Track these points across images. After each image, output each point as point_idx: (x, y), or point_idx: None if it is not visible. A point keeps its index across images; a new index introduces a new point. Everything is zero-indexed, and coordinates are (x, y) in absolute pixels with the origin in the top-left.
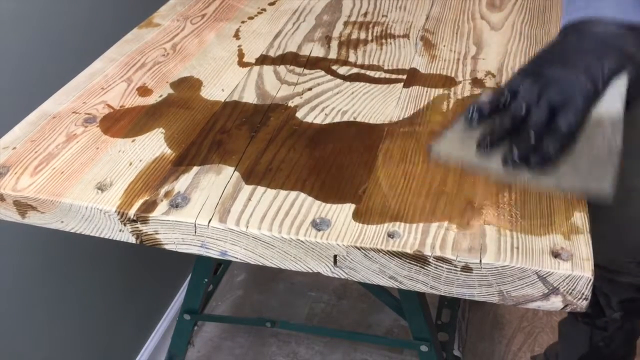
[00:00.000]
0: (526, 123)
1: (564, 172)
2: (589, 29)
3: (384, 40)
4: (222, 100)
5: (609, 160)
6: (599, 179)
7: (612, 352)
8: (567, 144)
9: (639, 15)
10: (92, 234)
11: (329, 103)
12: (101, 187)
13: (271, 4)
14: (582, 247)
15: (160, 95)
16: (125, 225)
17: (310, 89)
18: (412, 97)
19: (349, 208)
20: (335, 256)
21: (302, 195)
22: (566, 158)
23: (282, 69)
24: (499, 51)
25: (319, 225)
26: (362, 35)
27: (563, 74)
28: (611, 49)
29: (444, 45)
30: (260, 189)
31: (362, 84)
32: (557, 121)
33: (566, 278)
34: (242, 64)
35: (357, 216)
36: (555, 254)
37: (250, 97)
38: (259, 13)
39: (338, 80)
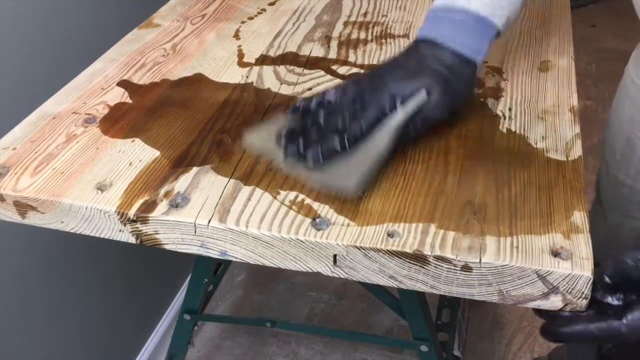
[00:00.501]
0: (319, 125)
1: (330, 170)
2: (421, 49)
3: (383, 40)
4: (222, 100)
5: (364, 163)
6: (347, 178)
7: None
8: (342, 148)
9: (472, 41)
10: (92, 234)
11: None
12: (101, 187)
13: (271, 4)
14: (582, 246)
15: (160, 96)
16: (125, 225)
17: (310, 89)
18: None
19: (348, 207)
20: (335, 256)
21: (302, 195)
22: (340, 160)
23: (282, 69)
24: (499, 50)
25: (318, 224)
26: (362, 35)
27: (375, 87)
28: (426, 71)
29: None
30: (260, 189)
31: None
32: (344, 128)
33: (566, 277)
34: (242, 64)
35: (357, 216)
36: (555, 253)
37: (250, 97)
38: (259, 13)
39: (338, 80)
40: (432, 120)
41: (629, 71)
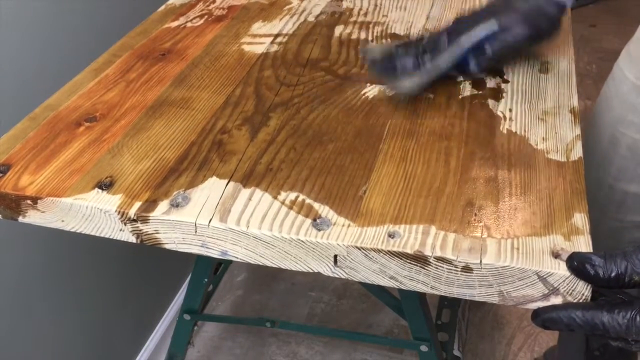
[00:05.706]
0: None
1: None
2: None
3: (384, 40)
4: (223, 101)
5: (423, 72)
6: (406, 80)
7: None
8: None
9: None
10: (92, 234)
11: (329, 103)
12: (102, 187)
13: (271, 4)
14: (583, 247)
15: (161, 95)
16: (125, 224)
17: (310, 89)
18: (412, 96)
19: (349, 208)
20: (335, 256)
21: (303, 195)
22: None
23: (282, 69)
24: None
25: (319, 225)
26: (362, 35)
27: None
28: (507, 9)
29: None
30: (261, 189)
31: (362, 84)
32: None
33: (566, 279)
34: (242, 63)
35: (358, 216)
36: (556, 255)
37: (250, 97)
38: (259, 13)
39: (338, 80)
40: (508, 43)
41: (620, 67)
